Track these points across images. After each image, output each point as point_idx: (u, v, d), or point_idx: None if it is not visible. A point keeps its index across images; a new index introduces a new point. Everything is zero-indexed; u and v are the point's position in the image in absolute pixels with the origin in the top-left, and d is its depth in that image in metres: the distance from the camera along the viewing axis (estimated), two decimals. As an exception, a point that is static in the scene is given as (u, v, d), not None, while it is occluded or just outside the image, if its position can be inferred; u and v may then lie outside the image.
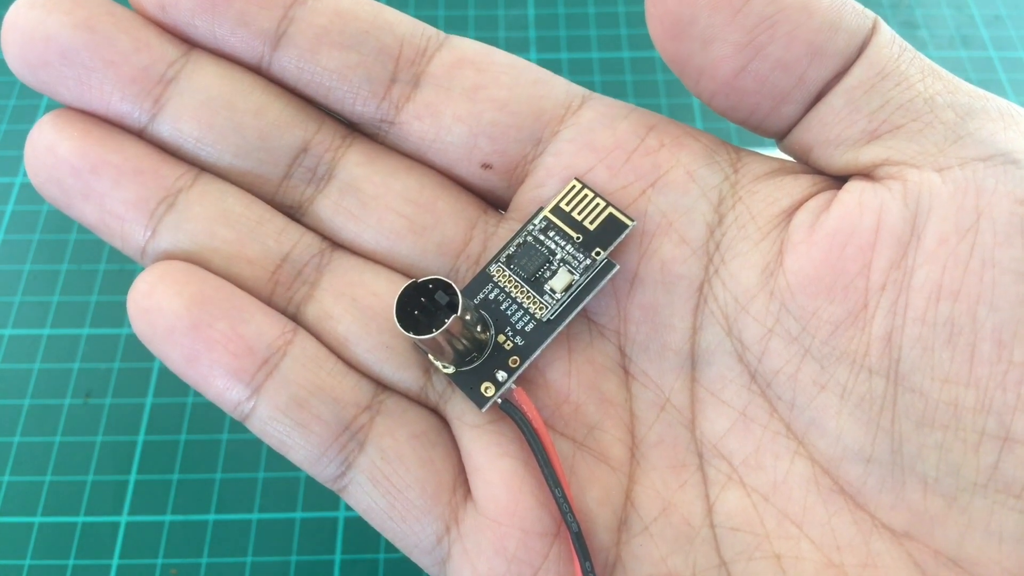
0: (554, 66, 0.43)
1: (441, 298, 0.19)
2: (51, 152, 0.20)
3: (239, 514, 0.32)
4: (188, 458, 0.33)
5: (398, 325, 0.19)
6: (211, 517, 0.32)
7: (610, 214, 0.20)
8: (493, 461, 0.20)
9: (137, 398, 0.34)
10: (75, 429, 0.34)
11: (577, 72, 0.43)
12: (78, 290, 0.37)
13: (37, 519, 0.32)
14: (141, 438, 0.34)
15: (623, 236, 0.20)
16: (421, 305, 0.20)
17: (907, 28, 0.45)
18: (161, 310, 0.19)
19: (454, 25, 0.44)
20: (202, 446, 0.33)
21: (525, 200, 0.21)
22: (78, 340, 0.36)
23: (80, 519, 0.32)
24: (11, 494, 0.32)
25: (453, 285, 0.19)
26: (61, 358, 0.35)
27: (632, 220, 0.20)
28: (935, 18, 0.46)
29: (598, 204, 0.20)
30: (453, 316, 0.19)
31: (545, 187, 0.21)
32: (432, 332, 0.19)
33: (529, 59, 0.44)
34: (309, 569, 0.31)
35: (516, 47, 0.44)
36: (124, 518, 0.32)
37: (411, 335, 0.19)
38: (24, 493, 0.32)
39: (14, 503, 0.32)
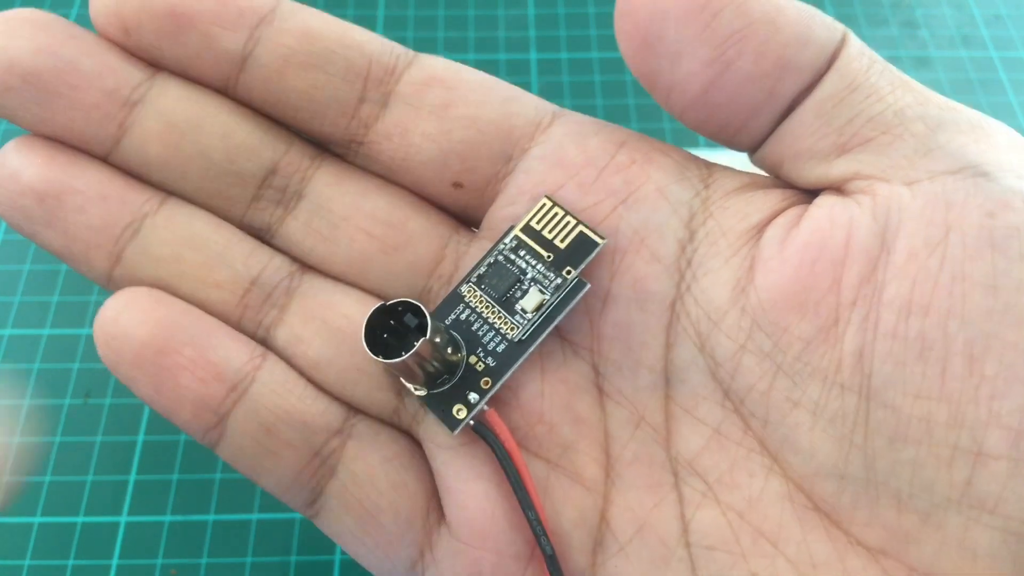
0: (554, 66, 0.43)
1: (410, 320, 0.19)
2: (14, 179, 0.20)
3: (239, 514, 0.32)
4: (188, 458, 0.33)
5: (367, 349, 0.19)
6: (211, 517, 0.32)
7: (580, 232, 0.20)
8: (466, 484, 0.19)
9: (137, 398, 0.34)
10: (75, 429, 0.34)
11: (577, 72, 0.43)
12: (78, 290, 0.37)
13: (37, 519, 0.32)
14: (141, 438, 0.34)
15: (594, 254, 0.20)
16: (390, 328, 0.20)
17: (907, 28, 0.45)
18: (127, 337, 0.19)
19: (454, 25, 0.44)
20: (202, 446, 0.33)
21: (496, 218, 0.21)
22: (78, 340, 0.36)
23: (80, 519, 0.32)
24: (12, 494, 0.32)
25: (422, 307, 0.19)
26: (61, 358, 0.35)
27: (603, 238, 0.20)
28: (935, 18, 0.46)
29: (568, 222, 0.20)
30: (422, 339, 0.18)
31: (516, 205, 0.21)
32: (401, 356, 0.18)
33: (529, 59, 0.44)
34: (309, 569, 0.31)
35: (516, 47, 0.44)
36: (124, 518, 0.32)
37: (380, 359, 0.19)
38: (24, 493, 0.32)
39: (14, 503, 0.32)
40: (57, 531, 0.32)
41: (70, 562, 0.31)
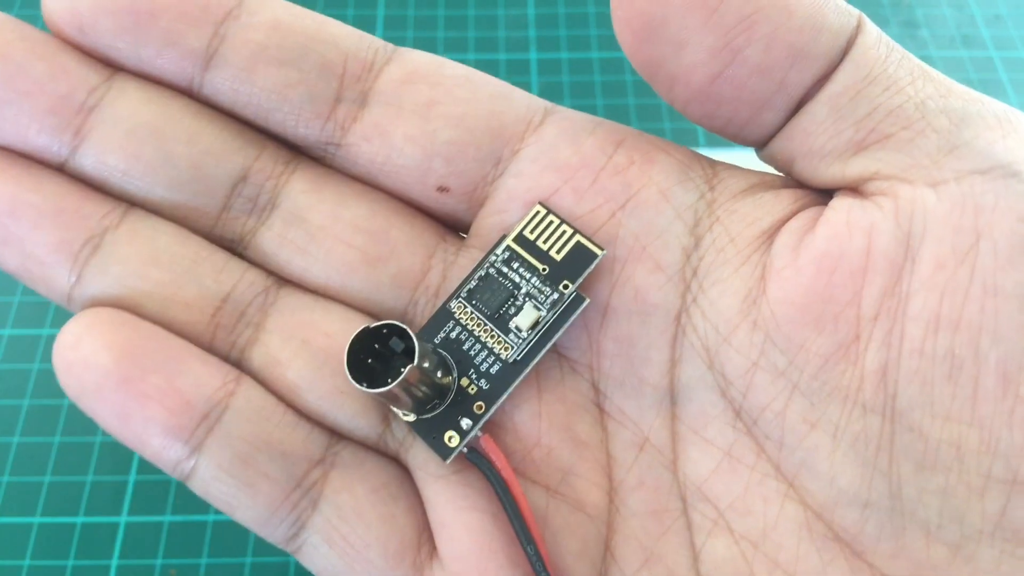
0: (554, 66, 0.43)
1: (396, 344, 0.18)
2: None
3: (238, 514, 0.32)
4: (188, 458, 0.33)
5: (350, 378, 0.17)
6: (210, 517, 0.32)
7: (578, 242, 0.19)
8: (459, 515, 0.18)
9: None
10: (75, 429, 0.34)
11: (577, 72, 0.43)
12: (78, 290, 0.37)
13: (36, 519, 0.32)
14: (141, 438, 0.34)
15: (592, 267, 0.18)
16: (375, 352, 0.18)
17: (907, 28, 0.45)
18: (88, 364, 0.18)
19: (454, 25, 0.44)
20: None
21: (486, 225, 0.20)
22: (78, 340, 0.36)
23: (79, 519, 0.32)
24: (11, 494, 0.32)
25: (408, 331, 0.18)
26: (61, 358, 0.35)
27: (602, 249, 0.18)
28: (935, 18, 0.45)
29: (565, 231, 0.19)
30: (410, 365, 0.17)
31: (508, 212, 0.19)
32: (388, 384, 0.17)
33: (529, 59, 0.44)
34: (308, 570, 0.31)
35: (516, 47, 0.44)
36: (123, 518, 0.32)
37: (364, 388, 0.17)
38: (24, 493, 0.32)
39: (14, 503, 0.32)
40: (57, 531, 0.32)
41: (70, 562, 0.31)
